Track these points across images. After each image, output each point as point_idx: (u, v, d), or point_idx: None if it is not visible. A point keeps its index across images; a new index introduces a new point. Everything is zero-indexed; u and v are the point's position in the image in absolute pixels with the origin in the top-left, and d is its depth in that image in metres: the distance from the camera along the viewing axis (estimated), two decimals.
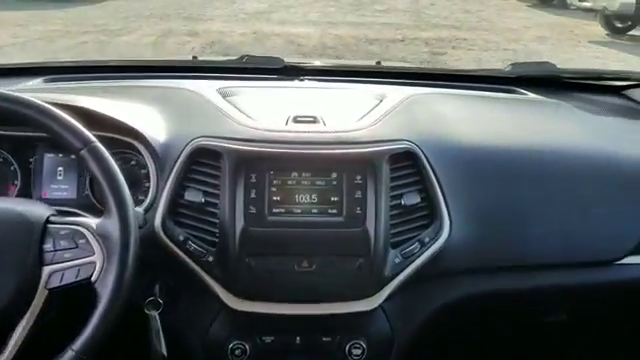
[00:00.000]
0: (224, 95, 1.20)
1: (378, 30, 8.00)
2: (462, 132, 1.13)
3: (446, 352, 1.32)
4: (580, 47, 7.74)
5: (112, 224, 0.85)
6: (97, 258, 0.84)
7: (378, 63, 1.64)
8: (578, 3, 9.70)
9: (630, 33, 8.78)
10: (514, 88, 1.43)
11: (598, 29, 8.79)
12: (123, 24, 7.83)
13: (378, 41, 7.22)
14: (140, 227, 0.91)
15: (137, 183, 1.07)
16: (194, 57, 1.72)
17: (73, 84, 1.34)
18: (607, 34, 8.72)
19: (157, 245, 1.01)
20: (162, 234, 1.01)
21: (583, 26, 9.20)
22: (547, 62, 1.49)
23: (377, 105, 1.17)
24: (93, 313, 0.81)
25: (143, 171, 1.08)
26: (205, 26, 7.79)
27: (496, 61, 6.44)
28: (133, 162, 1.10)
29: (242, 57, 1.48)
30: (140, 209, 0.95)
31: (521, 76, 1.45)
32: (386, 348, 1.06)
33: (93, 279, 0.83)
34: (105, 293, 0.82)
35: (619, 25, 8.87)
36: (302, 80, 1.40)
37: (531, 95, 1.39)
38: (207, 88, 1.22)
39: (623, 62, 6.57)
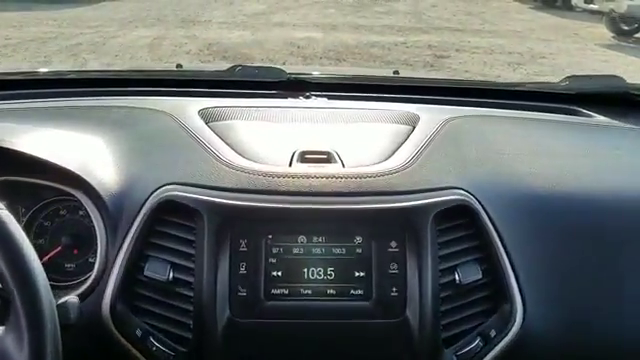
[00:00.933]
0: (208, 119, 0.90)
1: (379, 32, 7.79)
2: (528, 173, 0.82)
3: None
4: (587, 50, 7.56)
5: (13, 336, 0.54)
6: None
7: (396, 73, 1.33)
8: (584, 5, 9.53)
9: (636, 36, 8.63)
10: (575, 108, 1.13)
11: (603, 32, 8.64)
12: (118, 25, 7.66)
13: (379, 43, 7.00)
14: (68, 324, 0.61)
15: (88, 244, 0.77)
16: (178, 65, 1.40)
17: (18, 104, 1.03)
18: (613, 37, 8.56)
19: (103, 342, 0.71)
20: (111, 326, 0.71)
21: (588, 29, 9.04)
22: (613, 75, 1.19)
23: (410, 134, 0.87)
24: None
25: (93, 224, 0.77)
26: (203, 28, 7.59)
27: (501, 64, 6.24)
28: (82, 211, 0.79)
29: (234, 67, 1.17)
30: (73, 296, 0.65)
31: (583, 92, 1.15)
32: None
33: None
34: None
35: (625, 28, 8.74)
36: (308, 97, 1.09)
37: (599, 117, 1.09)
38: (187, 109, 0.92)
39: (632, 65, 6.38)
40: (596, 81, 1.21)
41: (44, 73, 1.28)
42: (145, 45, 6.46)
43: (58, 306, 0.62)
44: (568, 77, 1.21)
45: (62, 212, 0.81)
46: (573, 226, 0.80)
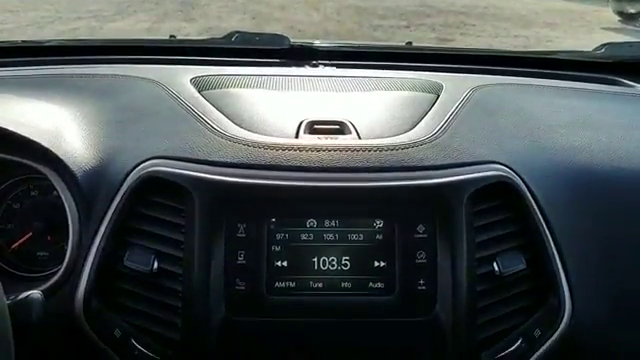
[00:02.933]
0: (201, 87, 0.78)
1: (382, 15, 7.67)
2: (574, 147, 0.71)
3: None
4: (594, 34, 7.47)
5: None
6: None
7: (409, 44, 1.20)
8: None
9: None
10: (614, 77, 1.00)
11: (609, 15, 8.54)
12: (116, 10, 7.59)
13: (382, 27, 6.89)
14: (33, 324, 0.50)
15: (63, 229, 0.65)
16: (172, 36, 1.27)
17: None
18: (620, 20, 8.47)
19: (76, 344, 0.59)
20: (85, 325, 0.59)
21: (593, 12, 8.94)
22: None
23: (434, 102, 0.75)
24: None
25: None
26: (202, 11, 7.45)
27: (507, 47, 6.16)
28: (55, 192, 0.67)
29: (232, 34, 1.05)
30: (36, 291, 0.53)
31: (622, 61, 1.03)
32: None
33: None
34: None
35: (632, 11, 8.66)
36: (315, 66, 0.97)
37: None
38: (178, 77, 0.80)
39: None
40: (637, 49, 1.08)
41: (23, 41, 1.15)
42: (144, 29, 6.45)
43: (17, 303, 0.51)
44: (603, 45, 1.08)
45: (33, 193, 0.70)
46: (627, 207, 0.68)
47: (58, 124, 0.68)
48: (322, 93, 0.82)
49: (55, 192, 0.68)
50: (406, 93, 0.80)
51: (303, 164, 0.61)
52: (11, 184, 0.70)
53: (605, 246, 0.66)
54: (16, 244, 0.69)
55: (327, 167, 0.61)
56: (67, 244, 0.63)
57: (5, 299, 0.47)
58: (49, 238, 0.69)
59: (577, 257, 0.64)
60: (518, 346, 0.61)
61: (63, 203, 0.64)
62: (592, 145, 0.72)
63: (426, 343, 0.59)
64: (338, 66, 0.99)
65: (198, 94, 0.75)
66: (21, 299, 0.51)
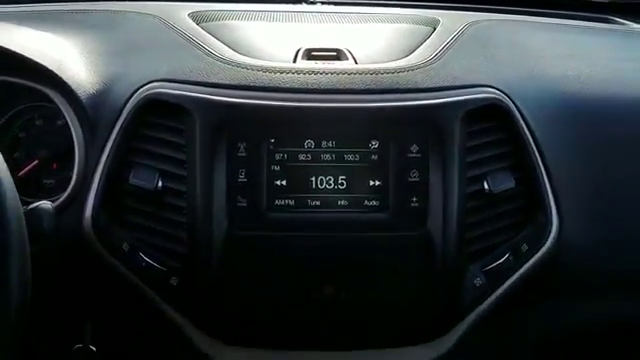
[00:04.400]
0: (199, 20, 0.78)
1: None
2: (567, 76, 0.72)
3: None
4: None
5: None
6: None
7: None
8: None
9: None
10: (608, 17, 1.01)
11: None
12: None
13: None
14: (45, 234, 0.52)
15: (68, 157, 0.67)
16: None
17: None
18: None
19: (86, 259, 0.62)
20: (94, 240, 0.62)
21: None
22: None
23: (430, 34, 0.76)
24: None
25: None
26: None
27: None
28: (60, 121, 0.69)
29: None
30: (47, 204, 0.55)
31: (616, 1, 1.03)
32: None
33: None
34: None
35: None
36: (313, 3, 0.97)
37: (634, 25, 0.98)
38: (176, 11, 0.81)
39: None
40: None
41: None
42: None
43: (28, 212, 0.53)
44: None
45: (38, 122, 0.71)
46: (616, 135, 0.70)
47: (61, 53, 0.69)
48: (320, 25, 0.83)
49: (60, 121, 0.70)
50: (403, 26, 0.81)
51: (301, 86, 0.63)
52: (16, 113, 0.71)
53: (594, 172, 0.69)
54: (22, 172, 0.70)
55: (324, 89, 0.63)
56: (73, 167, 0.65)
57: (21, 206, 0.49)
58: (55, 166, 0.71)
59: (565, 179, 0.66)
60: (505, 259, 0.64)
61: (69, 126, 0.66)
62: (584, 75, 0.74)
63: (418, 255, 0.62)
64: (336, 4, 0.99)
65: (196, 26, 0.76)
66: (32, 208, 0.53)
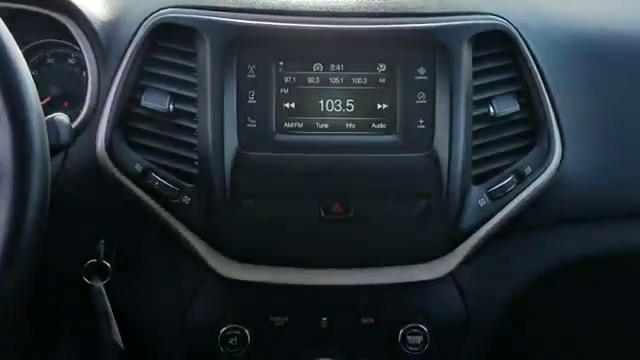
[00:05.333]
0: None
1: None
2: (569, 14, 0.73)
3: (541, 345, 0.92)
4: None
5: None
6: None
7: None
8: None
9: None
10: None
11: None
12: None
13: None
14: (62, 146, 0.54)
15: (78, 96, 0.69)
16: None
17: None
18: None
19: (100, 180, 0.64)
20: (108, 162, 0.64)
21: None
22: None
23: None
24: None
25: (85, 73, 0.69)
26: None
27: None
28: (72, 60, 0.71)
29: None
30: (64, 116, 0.57)
31: None
32: (457, 337, 0.71)
33: None
34: None
35: None
36: None
37: None
38: None
39: None
40: None
41: None
42: None
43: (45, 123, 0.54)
44: None
45: (50, 60, 0.73)
46: (619, 67, 0.71)
47: None
48: None
49: (70, 60, 0.71)
50: None
51: (309, 9, 0.64)
52: (29, 50, 0.73)
53: (595, 101, 0.70)
54: None
55: (333, 12, 0.64)
56: (85, 100, 0.66)
57: (44, 117, 0.50)
58: (65, 104, 0.72)
59: (567, 106, 0.68)
60: (509, 182, 0.65)
61: (80, 59, 0.67)
62: (586, 9, 0.75)
63: (424, 176, 0.63)
64: None
65: None
66: (49, 119, 0.54)
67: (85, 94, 0.66)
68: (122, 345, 0.65)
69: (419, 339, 0.68)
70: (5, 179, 0.46)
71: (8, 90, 0.47)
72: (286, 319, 0.68)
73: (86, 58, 0.67)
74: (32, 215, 0.47)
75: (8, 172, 0.46)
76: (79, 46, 0.67)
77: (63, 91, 0.72)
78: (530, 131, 0.67)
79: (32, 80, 0.50)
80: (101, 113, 0.65)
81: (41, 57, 0.73)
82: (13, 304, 0.47)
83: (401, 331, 0.69)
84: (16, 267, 0.45)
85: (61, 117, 0.55)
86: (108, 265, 0.65)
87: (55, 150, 0.54)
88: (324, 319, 0.69)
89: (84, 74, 0.68)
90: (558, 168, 0.67)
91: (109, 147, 0.64)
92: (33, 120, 0.48)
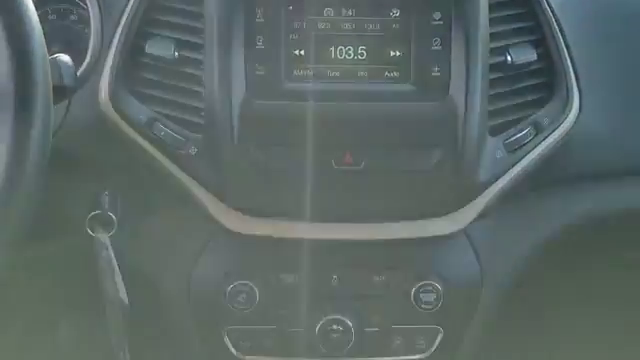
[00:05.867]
0: None
1: None
2: None
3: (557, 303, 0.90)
4: None
5: None
6: None
7: None
8: None
9: None
10: None
11: None
12: None
13: None
14: (65, 89, 0.52)
15: (81, 53, 0.66)
16: None
17: None
18: None
19: (104, 131, 0.62)
20: (112, 112, 0.62)
21: None
22: None
23: None
24: None
25: (87, 30, 0.66)
26: None
27: None
28: (74, 17, 0.68)
29: None
30: (67, 57, 0.55)
31: None
32: (471, 295, 0.69)
33: None
34: None
35: None
36: None
37: None
38: None
39: None
40: None
41: None
42: None
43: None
44: None
45: (51, 17, 0.70)
46: (637, 22, 0.69)
47: None
48: None
49: (72, 16, 0.69)
50: None
51: None
52: None
53: (613, 57, 0.68)
54: None
55: None
56: (89, 39, 0.64)
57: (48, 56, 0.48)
58: None
59: (585, 60, 0.66)
60: (527, 133, 0.63)
61: (83, 15, 0.65)
62: None
63: (439, 126, 0.61)
64: None
65: None
66: (52, 59, 0.52)
67: (87, 47, 0.64)
68: (127, 300, 0.64)
69: (432, 297, 0.66)
70: (7, 108, 0.44)
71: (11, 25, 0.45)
72: (296, 276, 0.67)
73: (89, 4, 0.64)
74: (31, 156, 0.45)
75: (10, 102, 0.44)
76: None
77: (65, 48, 0.70)
78: (547, 83, 0.65)
79: (37, 21, 0.47)
80: (104, 62, 0.63)
81: (42, 13, 0.71)
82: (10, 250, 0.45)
83: (414, 289, 0.67)
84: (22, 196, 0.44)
85: (64, 57, 0.53)
86: (113, 217, 0.63)
87: (58, 92, 0.52)
88: (334, 277, 0.67)
89: (86, 31, 0.66)
90: (576, 120, 0.64)
91: (112, 97, 0.62)
92: (36, 60, 0.46)
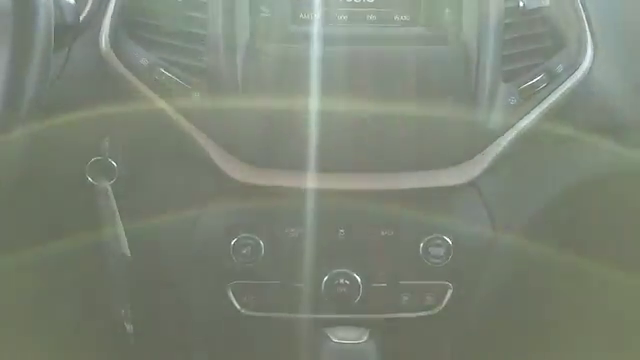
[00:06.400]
0: None
1: None
2: None
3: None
4: None
5: None
6: None
7: None
8: None
9: None
10: None
11: None
12: None
13: None
14: (66, 27, 0.50)
15: None
16: None
17: None
18: None
19: (105, 77, 0.60)
20: (113, 57, 0.60)
21: None
22: None
23: None
24: None
25: None
26: None
27: None
28: None
29: None
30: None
31: None
32: (481, 249, 0.66)
33: None
34: None
35: None
36: None
37: None
38: None
39: None
40: None
41: None
42: None
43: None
44: None
45: None
46: None
47: None
48: None
49: None
50: None
51: None
52: None
53: (628, 9, 0.66)
54: None
55: None
56: None
57: None
58: None
59: (597, 8, 0.64)
60: (540, 79, 0.61)
61: None
62: None
63: (452, 71, 0.58)
64: None
65: None
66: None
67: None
68: (128, 252, 0.62)
69: (442, 251, 0.64)
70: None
71: None
72: (301, 230, 0.65)
73: None
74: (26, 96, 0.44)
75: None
76: None
77: None
78: (561, 30, 0.62)
79: None
80: (106, 7, 0.61)
81: None
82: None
83: (422, 243, 0.65)
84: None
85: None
86: (114, 164, 0.62)
87: (61, 31, 0.51)
88: (341, 231, 0.65)
89: None
90: (589, 69, 0.63)
91: (114, 42, 0.60)
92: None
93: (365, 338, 0.60)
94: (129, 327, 0.66)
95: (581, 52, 0.62)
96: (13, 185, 0.47)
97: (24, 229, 0.70)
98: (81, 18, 0.61)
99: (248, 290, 0.66)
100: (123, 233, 0.62)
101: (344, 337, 0.61)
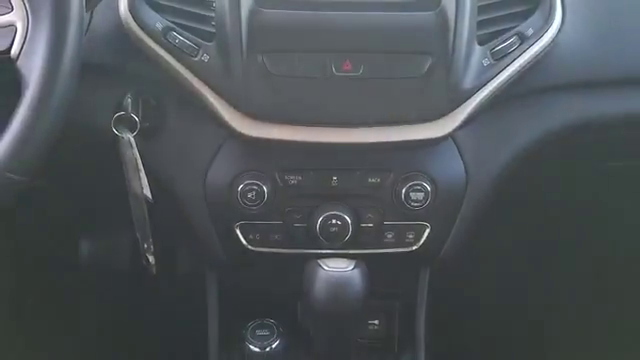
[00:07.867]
0: None
1: None
2: None
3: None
4: None
5: None
6: (17, 17, 0.55)
7: None
8: None
9: None
10: None
11: None
12: None
13: None
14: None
15: None
16: None
17: None
18: None
19: (123, 38, 0.68)
20: (131, 22, 0.68)
21: None
22: None
23: None
24: (16, 110, 0.52)
25: None
26: None
27: None
28: None
29: None
30: None
31: None
32: (456, 195, 0.76)
33: (13, 53, 0.55)
34: (33, 78, 0.52)
35: None
36: None
37: None
38: None
39: None
40: None
41: None
42: None
43: None
44: None
45: None
46: None
47: None
48: None
49: None
50: None
51: None
52: None
53: None
54: None
55: None
56: None
57: None
58: None
59: None
60: (512, 42, 0.69)
61: None
62: None
63: (432, 35, 0.66)
64: None
65: None
66: None
67: None
68: (150, 195, 0.72)
69: (421, 195, 0.74)
70: (44, 8, 0.50)
71: None
72: (300, 178, 0.74)
73: None
74: (70, 44, 0.52)
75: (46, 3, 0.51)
76: None
77: None
78: None
79: None
80: None
81: None
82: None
83: (404, 189, 0.74)
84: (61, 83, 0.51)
85: None
86: (136, 118, 0.70)
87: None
88: (334, 178, 0.75)
89: None
90: (559, 31, 0.70)
91: (131, 7, 0.67)
92: None
93: (351, 267, 0.70)
94: (151, 258, 0.76)
95: (551, 16, 0.70)
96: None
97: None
98: None
99: (254, 229, 0.76)
100: (145, 179, 0.71)
101: (334, 267, 0.71)
